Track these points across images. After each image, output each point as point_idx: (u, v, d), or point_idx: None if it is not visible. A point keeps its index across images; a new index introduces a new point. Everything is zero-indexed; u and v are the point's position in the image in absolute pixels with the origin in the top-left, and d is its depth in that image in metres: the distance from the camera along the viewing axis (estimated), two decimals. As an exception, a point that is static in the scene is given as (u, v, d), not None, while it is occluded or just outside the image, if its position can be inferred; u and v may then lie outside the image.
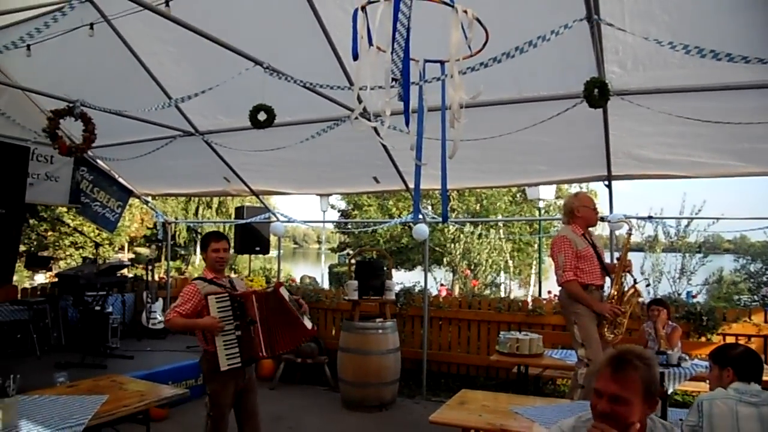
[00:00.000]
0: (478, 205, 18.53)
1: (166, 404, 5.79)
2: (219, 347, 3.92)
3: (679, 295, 9.37)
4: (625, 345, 2.21)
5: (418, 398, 7.11)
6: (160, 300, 8.83)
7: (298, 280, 15.18)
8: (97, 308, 7.63)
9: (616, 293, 4.72)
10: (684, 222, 10.57)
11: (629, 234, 5.01)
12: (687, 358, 5.20)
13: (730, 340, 6.26)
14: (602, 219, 5.20)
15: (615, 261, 5.03)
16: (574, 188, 12.99)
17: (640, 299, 5.13)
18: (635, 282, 4.87)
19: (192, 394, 6.41)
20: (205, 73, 5.40)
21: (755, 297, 11.43)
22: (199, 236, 19.95)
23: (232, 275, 4.44)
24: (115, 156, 7.50)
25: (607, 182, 6.12)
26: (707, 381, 5.14)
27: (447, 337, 7.94)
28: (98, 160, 8.14)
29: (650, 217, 6.99)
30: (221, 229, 25.47)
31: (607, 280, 4.87)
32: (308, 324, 4.25)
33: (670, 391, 4.88)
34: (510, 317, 7.50)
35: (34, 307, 7.38)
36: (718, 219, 8.77)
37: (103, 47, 5.70)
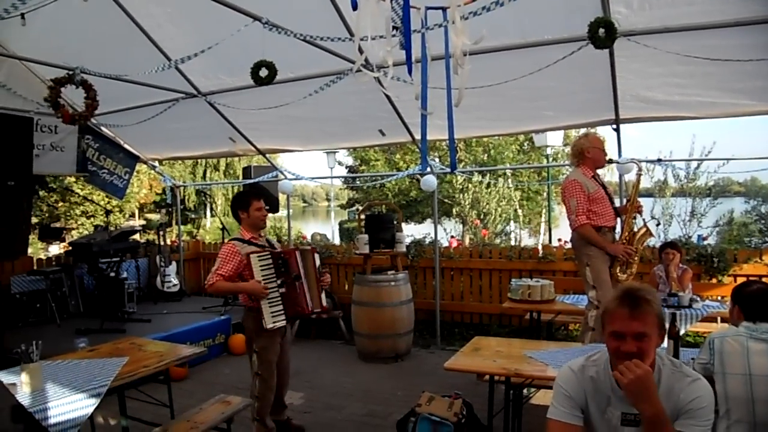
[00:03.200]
0: (486, 155, 18.43)
1: (186, 364, 5.92)
2: (264, 306, 3.97)
3: (690, 237, 9.35)
4: (627, 283, 2.20)
5: (433, 348, 7.22)
6: (174, 263, 8.94)
7: (309, 238, 15.27)
8: (112, 274, 7.72)
9: (627, 234, 4.73)
10: (694, 164, 10.48)
11: (639, 175, 4.98)
12: (698, 299, 5.22)
13: (741, 281, 6.27)
14: (610, 161, 5.16)
15: (625, 203, 5.02)
16: (583, 133, 12.82)
17: (651, 239, 5.14)
18: (645, 222, 4.87)
19: (210, 353, 6.57)
20: (203, 32, 5.31)
21: (766, 238, 11.37)
22: (209, 198, 20.10)
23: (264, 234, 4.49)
24: (119, 122, 7.46)
25: (615, 126, 6.06)
26: (718, 321, 5.21)
27: (459, 287, 8.01)
28: (103, 128, 8.10)
29: (659, 160, 6.95)
30: (229, 191, 25.57)
31: (618, 222, 4.87)
32: (323, 300, 4.31)
33: (682, 332, 4.91)
34: (521, 265, 7.54)
35: (50, 277, 7.47)
36: (728, 160, 8.70)
37: (99, 12, 5.59)
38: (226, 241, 4.35)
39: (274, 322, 3.99)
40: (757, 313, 2.83)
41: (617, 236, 4.84)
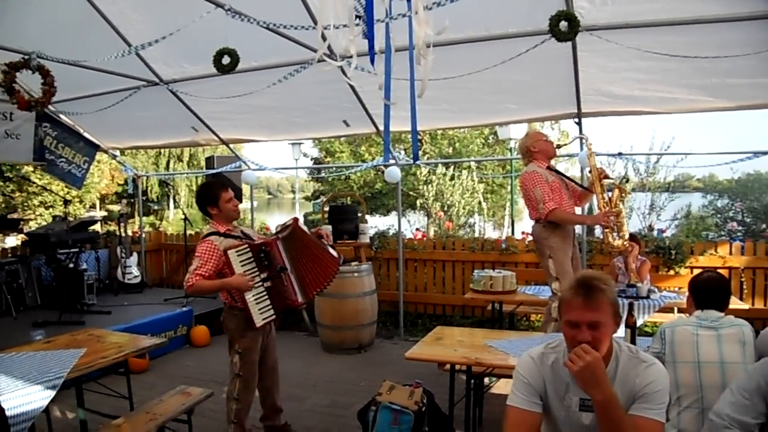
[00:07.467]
0: (451, 148, 18.51)
1: (147, 356, 5.85)
2: (250, 303, 3.72)
3: (650, 230, 9.56)
4: (582, 272, 2.23)
5: (396, 339, 7.25)
6: (135, 254, 8.79)
7: (272, 229, 15.13)
8: (71, 266, 7.55)
9: (604, 202, 4.76)
10: (653, 159, 10.72)
11: (589, 146, 5.01)
12: (656, 290, 5.34)
13: (697, 272, 6.43)
14: (559, 147, 5.15)
15: (588, 176, 5.01)
16: (546, 126, 12.89)
17: (627, 196, 5.19)
18: (616, 183, 4.89)
19: (171, 345, 6.50)
20: (165, 18, 5.20)
21: (722, 232, 11.69)
22: (173, 189, 19.77)
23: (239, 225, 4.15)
24: (78, 110, 7.27)
25: (577, 119, 6.14)
26: (675, 311, 5.34)
27: (422, 279, 8.06)
28: (61, 115, 7.89)
29: (620, 154, 7.04)
30: (192, 181, 25.19)
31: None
32: (334, 253, 4.03)
33: (639, 322, 5.02)
34: (483, 257, 7.61)
35: (5, 268, 7.25)
36: (686, 155, 8.93)
37: (57, -5, 5.47)
38: (201, 237, 3.94)
39: (263, 318, 3.75)
40: (704, 301, 2.93)
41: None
